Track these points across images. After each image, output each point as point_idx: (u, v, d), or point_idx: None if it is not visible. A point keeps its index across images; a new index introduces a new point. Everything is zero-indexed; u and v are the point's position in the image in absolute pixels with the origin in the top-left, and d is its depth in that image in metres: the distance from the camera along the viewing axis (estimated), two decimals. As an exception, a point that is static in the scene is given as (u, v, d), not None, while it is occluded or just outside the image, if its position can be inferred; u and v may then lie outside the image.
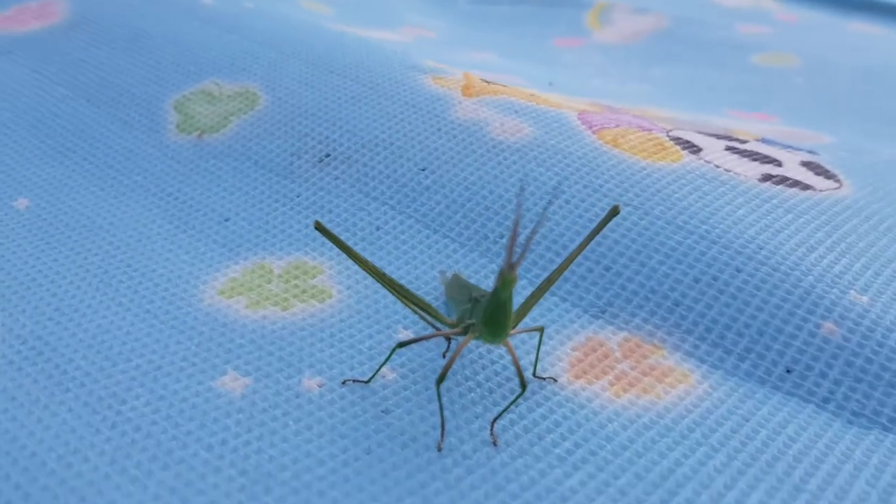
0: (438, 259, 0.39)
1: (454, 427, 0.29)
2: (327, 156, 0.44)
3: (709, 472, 0.28)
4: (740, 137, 0.49)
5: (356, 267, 0.38)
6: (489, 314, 0.27)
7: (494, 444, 0.29)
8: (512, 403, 0.29)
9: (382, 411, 0.30)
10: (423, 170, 0.43)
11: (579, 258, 0.38)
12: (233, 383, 0.31)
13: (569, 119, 0.46)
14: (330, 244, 0.39)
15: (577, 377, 0.32)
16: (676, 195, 0.40)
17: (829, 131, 0.62)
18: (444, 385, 0.31)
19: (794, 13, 0.93)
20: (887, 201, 0.44)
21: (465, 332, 0.30)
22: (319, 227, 0.32)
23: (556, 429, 0.29)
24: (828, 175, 0.46)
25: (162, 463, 0.27)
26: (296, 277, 0.37)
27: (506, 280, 0.26)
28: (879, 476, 0.28)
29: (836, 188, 0.44)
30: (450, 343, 0.33)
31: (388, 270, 0.38)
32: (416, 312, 0.33)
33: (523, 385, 0.28)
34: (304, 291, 0.36)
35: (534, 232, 0.25)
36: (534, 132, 0.45)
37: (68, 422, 0.29)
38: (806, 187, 0.43)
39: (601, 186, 0.41)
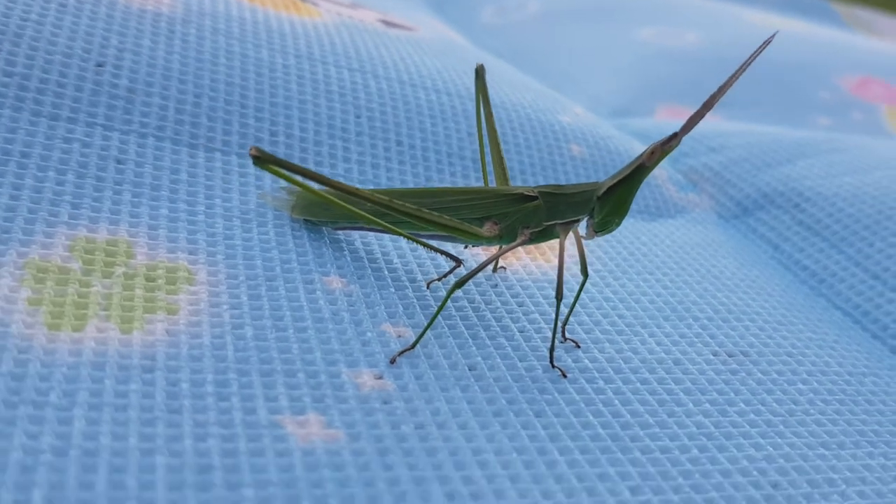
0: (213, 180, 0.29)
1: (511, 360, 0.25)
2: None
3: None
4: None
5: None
6: (624, 199, 0.24)
7: (564, 376, 0.24)
8: (576, 300, 0.26)
9: (470, 369, 0.23)
10: (101, 66, 0.29)
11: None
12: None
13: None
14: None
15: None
16: (375, 50, 0.37)
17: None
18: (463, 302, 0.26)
19: None
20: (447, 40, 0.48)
21: (540, 235, 0.25)
22: (260, 156, 0.22)
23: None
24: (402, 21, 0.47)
25: None
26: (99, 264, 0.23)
27: (668, 151, 0.23)
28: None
29: (417, 28, 0.46)
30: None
31: (163, 213, 0.26)
32: (425, 244, 0.25)
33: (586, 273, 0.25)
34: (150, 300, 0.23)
35: (714, 101, 0.22)
36: (174, -5, 0.34)
37: None
38: (411, 28, 0.44)
39: (297, 48, 0.35)
